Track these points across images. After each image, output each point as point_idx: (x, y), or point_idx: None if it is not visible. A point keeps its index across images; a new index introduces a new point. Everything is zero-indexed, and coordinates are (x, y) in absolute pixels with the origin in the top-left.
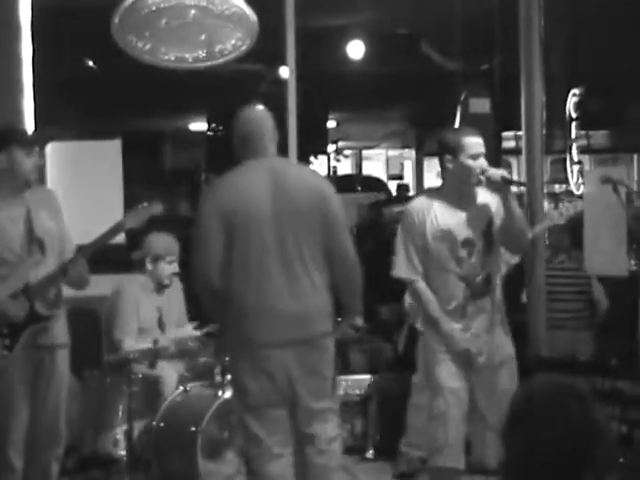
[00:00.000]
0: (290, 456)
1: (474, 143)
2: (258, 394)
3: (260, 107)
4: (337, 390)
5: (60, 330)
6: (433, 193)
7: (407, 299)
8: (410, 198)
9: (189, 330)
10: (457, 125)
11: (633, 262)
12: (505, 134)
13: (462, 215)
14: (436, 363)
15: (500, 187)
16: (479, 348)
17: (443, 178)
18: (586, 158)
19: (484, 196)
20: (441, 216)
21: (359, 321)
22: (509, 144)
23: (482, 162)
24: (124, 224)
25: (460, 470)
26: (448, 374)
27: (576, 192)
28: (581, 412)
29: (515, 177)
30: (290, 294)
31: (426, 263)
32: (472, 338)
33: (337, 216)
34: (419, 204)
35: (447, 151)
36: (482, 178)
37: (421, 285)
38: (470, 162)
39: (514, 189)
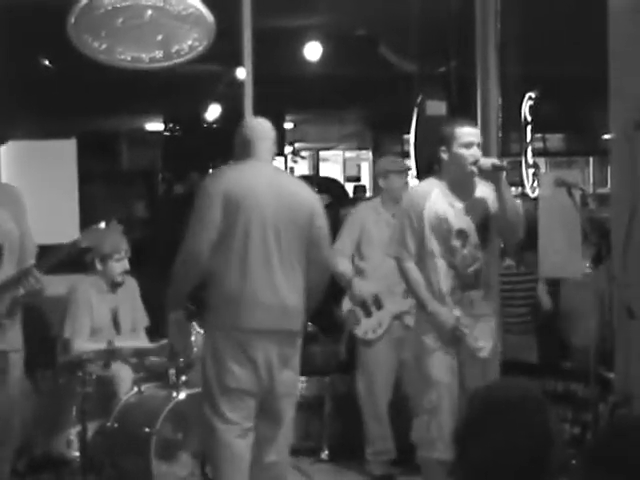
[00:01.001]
0: (251, 439)
1: (467, 132)
2: (239, 378)
3: (264, 119)
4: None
5: (14, 336)
6: (435, 179)
7: (346, 305)
8: (367, 199)
9: (143, 341)
10: (413, 127)
11: (587, 264)
12: None
13: (459, 205)
14: (427, 356)
15: (492, 175)
16: (466, 328)
17: (440, 170)
18: (542, 161)
19: (482, 189)
20: (439, 203)
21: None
22: None
23: (475, 151)
24: (79, 243)
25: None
26: (440, 367)
27: (531, 195)
28: (540, 417)
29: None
30: (273, 288)
31: (419, 248)
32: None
33: (322, 230)
34: (421, 188)
35: (442, 142)
36: (474, 168)
37: (410, 265)
38: (463, 151)
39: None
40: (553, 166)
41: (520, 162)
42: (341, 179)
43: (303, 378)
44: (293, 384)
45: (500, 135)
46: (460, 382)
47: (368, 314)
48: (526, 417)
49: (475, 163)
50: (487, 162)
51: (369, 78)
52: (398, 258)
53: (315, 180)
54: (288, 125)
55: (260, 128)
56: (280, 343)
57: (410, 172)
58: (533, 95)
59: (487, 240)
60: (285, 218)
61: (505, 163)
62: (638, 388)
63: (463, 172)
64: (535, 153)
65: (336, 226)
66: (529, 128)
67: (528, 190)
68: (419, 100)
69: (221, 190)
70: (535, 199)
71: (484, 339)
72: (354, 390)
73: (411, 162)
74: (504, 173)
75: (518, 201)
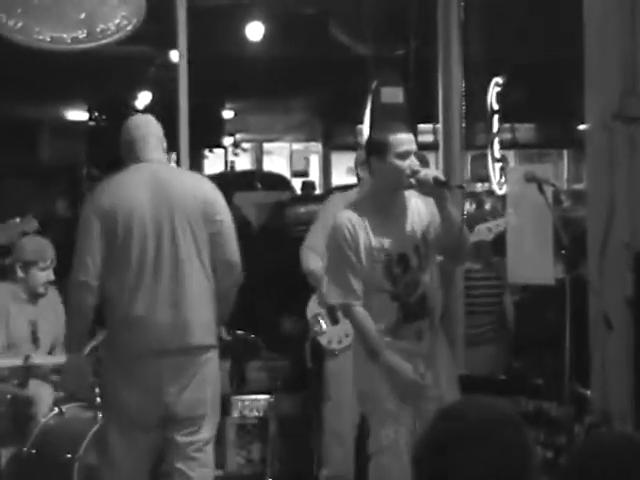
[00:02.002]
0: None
1: (402, 140)
2: (130, 410)
3: (146, 115)
4: (217, 417)
5: None
6: (361, 205)
7: (312, 309)
8: (317, 197)
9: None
10: (367, 116)
11: (560, 269)
12: (421, 127)
13: (396, 228)
14: (381, 389)
15: (433, 190)
16: (422, 375)
17: (372, 183)
18: (510, 154)
19: (417, 202)
20: (374, 231)
21: (223, 332)
22: (426, 138)
23: (412, 162)
24: None
25: None
26: (396, 399)
27: (498, 192)
28: (516, 437)
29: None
30: (168, 302)
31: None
32: (415, 367)
33: (224, 224)
34: (349, 218)
35: (374, 151)
36: (412, 181)
37: (360, 310)
38: (398, 162)
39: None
40: (523, 159)
41: (486, 155)
42: (287, 174)
43: (245, 397)
44: (202, 405)
45: (464, 125)
46: (416, 416)
47: (334, 321)
48: (503, 437)
49: (413, 175)
50: (428, 175)
51: (318, 62)
52: (344, 305)
53: (258, 175)
54: (228, 114)
55: (143, 125)
56: (181, 362)
57: None
58: (500, 81)
59: (428, 259)
60: (179, 221)
61: (452, 185)
62: (617, 407)
63: (398, 186)
64: (503, 145)
65: (281, 226)
66: (496, 117)
67: (495, 186)
68: (374, 86)
69: (97, 211)
70: (503, 196)
71: (447, 370)
72: (304, 410)
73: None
74: (447, 191)
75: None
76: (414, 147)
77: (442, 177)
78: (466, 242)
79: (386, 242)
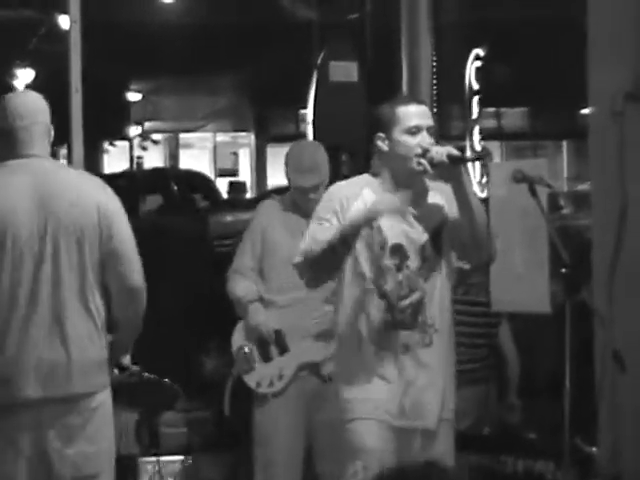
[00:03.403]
0: None
1: (412, 113)
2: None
3: (30, 92)
4: (112, 476)
5: None
6: (366, 180)
7: (236, 340)
8: (248, 203)
9: None
10: (312, 99)
11: (558, 293)
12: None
13: (402, 215)
14: (349, 419)
15: (449, 171)
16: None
17: (376, 166)
18: (495, 146)
19: (433, 195)
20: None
21: (127, 360)
22: None
23: (425, 139)
24: None
25: None
26: (367, 432)
27: (479, 194)
28: None
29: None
30: (47, 339)
31: (345, 268)
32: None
33: (122, 241)
34: (345, 187)
35: (378, 127)
36: (423, 162)
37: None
38: (407, 139)
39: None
40: (511, 153)
41: (463, 148)
42: (211, 173)
43: (157, 459)
44: (94, 461)
45: (435, 110)
46: (399, 456)
47: (266, 357)
48: None
49: (424, 155)
50: (441, 152)
51: (250, 29)
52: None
53: (173, 175)
54: (134, 96)
55: (23, 107)
56: (64, 412)
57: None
58: (481, 52)
59: (433, 265)
60: (65, 237)
61: (469, 154)
62: (630, 468)
63: (408, 168)
64: (485, 135)
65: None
66: (476, 100)
67: (475, 187)
68: (320, 60)
69: None
70: (485, 200)
71: (427, 403)
72: (227, 472)
73: None
74: (467, 166)
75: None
76: (428, 122)
77: (456, 152)
78: (487, 234)
79: (383, 224)
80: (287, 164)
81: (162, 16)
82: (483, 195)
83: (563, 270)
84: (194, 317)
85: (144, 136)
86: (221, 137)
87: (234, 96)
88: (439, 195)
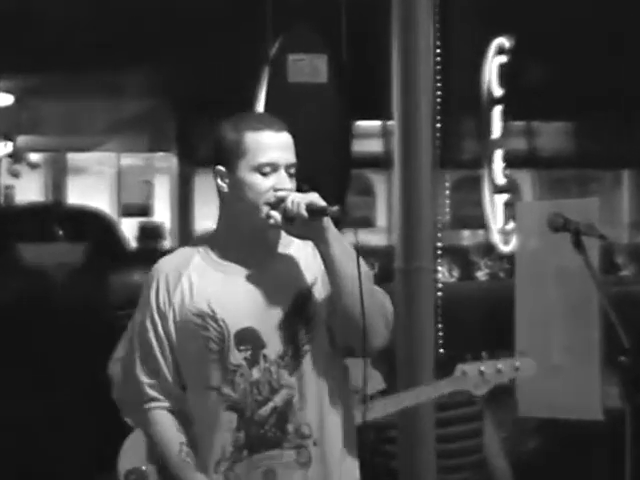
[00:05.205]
0: None
1: (267, 143)
2: None
3: None
4: None
5: None
6: (205, 240)
7: (123, 463)
8: (165, 255)
9: None
10: (260, 107)
11: (615, 393)
12: (362, 126)
13: (245, 281)
14: None
15: (309, 227)
16: None
17: (219, 212)
18: (525, 177)
19: (305, 248)
20: (200, 283)
21: None
22: (369, 146)
23: (281, 181)
24: None
25: None
26: None
27: (502, 247)
28: None
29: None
30: None
31: (175, 374)
32: None
33: None
34: (171, 260)
35: (221, 158)
36: (274, 214)
37: (163, 415)
38: (255, 179)
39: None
40: (547, 188)
41: (479, 179)
42: (112, 211)
43: None
44: None
45: (438, 125)
46: None
47: None
48: None
49: (277, 205)
50: (297, 202)
51: (171, 8)
52: (144, 405)
53: (57, 213)
54: (1, 99)
55: None
56: None
57: None
58: (507, 44)
59: (303, 348)
60: None
61: (335, 208)
62: None
63: (255, 218)
64: (512, 161)
65: (103, 306)
66: (498, 111)
67: (495, 237)
68: (274, 51)
69: None
70: (508, 257)
71: None
72: None
73: None
74: (327, 220)
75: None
76: (288, 157)
77: (320, 202)
78: (376, 303)
79: (219, 304)
80: None
81: None
82: (507, 248)
83: (622, 358)
84: (84, 420)
85: (16, 156)
86: (128, 159)
87: (148, 101)
88: (313, 251)
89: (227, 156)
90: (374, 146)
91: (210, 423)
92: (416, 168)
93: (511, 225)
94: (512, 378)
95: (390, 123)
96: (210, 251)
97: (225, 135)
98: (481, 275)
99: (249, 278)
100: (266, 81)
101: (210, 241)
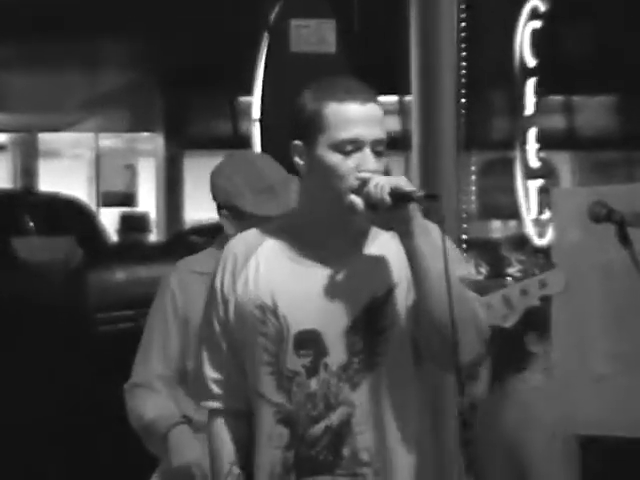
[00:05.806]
0: None
1: (351, 116)
2: None
3: None
4: None
5: None
6: (281, 221)
7: None
8: (155, 249)
9: None
10: (260, 79)
11: None
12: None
13: (316, 275)
14: None
15: (394, 215)
16: None
17: (298, 193)
18: (563, 159)
19: (389, 243)
20: (266, 271)
21: None
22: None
23: (366, 160)
24: None
25: None
26: None
27: (537, 240)
28: None
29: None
30: None
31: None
32: None
33: None
34: (244, 240)
35: (298, 132)
36: (355, 199)
37: (219, 421)
38: (335, 158)
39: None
40: (589, 172)
41: (511, 162)
42: (90, 199)
43: None
44: None
45: (464, 100)
46: None
47: None
48: None
49: (360, 190)
50: (383, 186)
51: None
52: (204, 401)
53: (27, 202)
54: None
55: None
56: None
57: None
58: (542, 7)
59: (369, 361)
60: None
61: (423, 193)
62: None
63: (335, 204)
64: (548, 141)
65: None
66: (532, 84)
67: (528, 228)
68: (274, 18)
69: None
70: (543, 251)
71: None
72: None
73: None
74: (417, 207)
75: (469, 269)
76: (375, 132)
77: (406, 187)
78: (466, 306)
79: (285, 298)
80: (217, 185)
81: None
82: (544, 241)
83: None
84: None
85: None
86: (108, 140)
87: (131, 75)
88: (393, 244)
89: (305, 130)
90: (390, 125)
91: (259, 435)
92: (437, 150)
93: (547, 215)
94: (542, 296)
95: (408, 98)
96: (284, 235)
97: (304, 105)
98: (512, 272)
99: (322, 272)
100: (266, 50)
101: (286, 223)
